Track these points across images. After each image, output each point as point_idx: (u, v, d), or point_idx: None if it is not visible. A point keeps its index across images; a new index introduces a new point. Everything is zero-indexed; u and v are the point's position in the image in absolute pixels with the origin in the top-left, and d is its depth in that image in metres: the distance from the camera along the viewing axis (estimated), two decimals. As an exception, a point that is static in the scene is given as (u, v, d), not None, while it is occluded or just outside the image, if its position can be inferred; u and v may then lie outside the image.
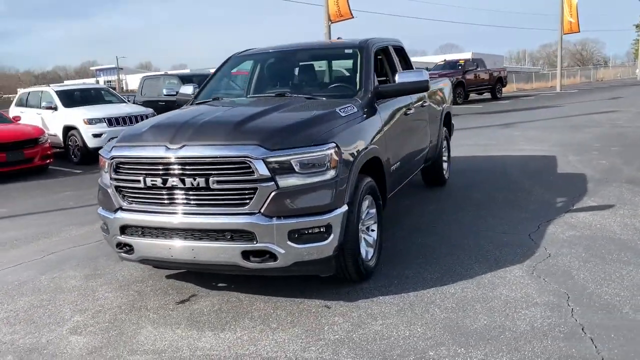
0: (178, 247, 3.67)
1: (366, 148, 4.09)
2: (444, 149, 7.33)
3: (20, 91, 14.40)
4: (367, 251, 4.19)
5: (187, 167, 3.55)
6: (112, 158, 3.85)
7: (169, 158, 3.58)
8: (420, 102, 5.92)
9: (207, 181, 3.50)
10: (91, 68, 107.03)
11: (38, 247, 5.66)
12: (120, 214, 3.86)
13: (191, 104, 5.06)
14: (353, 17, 16.07)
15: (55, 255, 5.34)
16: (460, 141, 11.70)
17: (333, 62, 5.23)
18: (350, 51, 5.01)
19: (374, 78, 4.73)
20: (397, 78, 4.71)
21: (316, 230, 3.57)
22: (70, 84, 16.01)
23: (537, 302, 3.62)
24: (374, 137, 4.32)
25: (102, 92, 13.72)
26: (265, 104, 4.35)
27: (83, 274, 4.71)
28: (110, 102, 13.41)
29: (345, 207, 3.71)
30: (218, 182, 3.50)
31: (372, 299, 3.83)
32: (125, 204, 3.85)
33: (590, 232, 4.99)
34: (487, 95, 27.27)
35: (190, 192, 3.58)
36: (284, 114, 4.01)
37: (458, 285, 3.97)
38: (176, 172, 3.58)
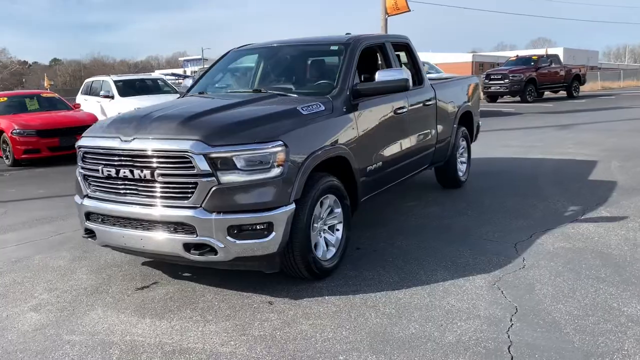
0: (129, 236, 3.83)
1: (326, 147, 4.06)
2: (461, 150, 7.09)
3: (86, 80, 15.34)
4: (326, 250, 4.17)
5: (135, 159, 3.69)
6: (79, 147, 4.07)
7: (121, 150, 3.74)
8: (423, 101, 5.76)
9: (152, 174, 3.63)
10: (179, 59, 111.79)
11: (51, 228, 6.06)
12: (85, 201, 4.07)
13: (181, 97, 5.22)
14: (410, 10, 15.75)
15: (60, 236, 5.70)
16: (507, 142, 11.31)
17: (319, 58, 5.18)
18: (336, 48, 4.96)
19: (354, 76, 4.66)
20: (377, 77, 4.63)
21: (257, 227, 3.60)
22: (129, 75, 16.81)
23: (480, 315, 3.47)
24: (341, 136, 4.28)
25: (159, 82, 14.33)
26: (231, 100, 4.43)
27: (72, 256, 5.00)
28: (167, 92, 13.99)
29: (292, 206, 3.71)
30: (162, 175, 3.61)
31: (317, 298, 3.82)
32: (90, 192, 4.05)
33: (583, 244, 4.68)
34: (563, 93, 25.88)
35: (139, 184, 3.72)
36: (239, 111, 4.06)
37: (410, 291, 3.87)
38: (127, 163, 3.73)
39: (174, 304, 3.85)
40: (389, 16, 16.04)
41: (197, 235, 3.58)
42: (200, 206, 3.56)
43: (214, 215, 3.54)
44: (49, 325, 3.61)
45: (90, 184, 4.04)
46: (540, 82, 23.26)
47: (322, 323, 3.45)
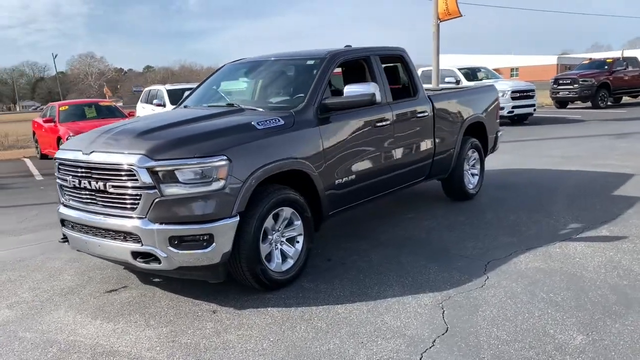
0: (91, 242, 4.11)
1: (279, 160, 4.14)
2: (472, 162, 6.92)
3: (145, 89, 16.22)
4: (281, 262, 4.26)
5: (92, 171, 3.97)
6: (55, 159, 4.41)
7: (81, 162, 4.03)
8: (415, 113, 5.70)
9: (105, 185, 3.88)
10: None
11: (67, 230, 6.52)
12: (61, 209, 4.40)
13: (174, 109, 5.50)
14: (461, 15, 15.38)
15: (70, 238, 6.12)
16: (550, 151, 10.84)
17: (296, 73, 5.24)
18: (312, 62, 5.03)
19: (324, 91, 4.70)
20: (345, 91, 4.67)
21: (197, 238, 3.75)
22: (182, 84, 17.56)
23: (407, 334, 3.43)
24: (301, 150, 4.34)
25: None
26: (197, 114, 4.61)
27: (69, 257, 5.38)
28: None
29: (235, 218, 3.83)
30: (113, 186, 3.86)
31: (259, 309, 3.92)
32: (64, 200, 4.38)
33: (559, 265, 4.46)
34: (643, 98, 24.20)
35: (96, 194, 3.99)
36: (194, 126, 4.23)
37: (352, 306, 3.88)
38: (86, 175, 4.01)
39: (129, 308, 4.08)
40: (441, 21, 15.79)
41: (142, 245, 3.80)
42: (145, 217, 3.76)
43: (156, 226, 3.74)
44: (13, 322, 3.94)
45: (64, 193, 4.37)
46: (615, 87, 21.86)
47: (250, 334, 3.54)
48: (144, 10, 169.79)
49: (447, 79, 17.09)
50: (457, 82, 16.97)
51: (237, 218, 3.85)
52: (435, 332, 3.42)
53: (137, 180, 3.73)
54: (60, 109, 12.99)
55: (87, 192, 4.05)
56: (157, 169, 3.70)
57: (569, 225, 5.58)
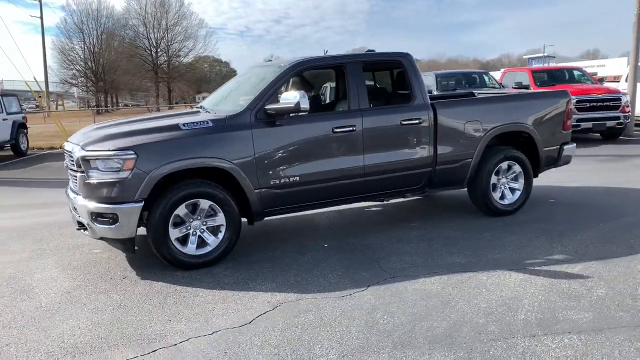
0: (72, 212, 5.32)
1: (195, 158, 4.73)
2: (512, 175, 6.36)
3: None
4: (194, 247, 4.87)
5: (66, 157, 5.17)
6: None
7: (64, 150, 5.27)
8: (400, 120, 5.60)
9: (67, 167, 5.05)
10: (524, 57, 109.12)
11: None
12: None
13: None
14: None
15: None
16: None
17: (264, 79, 5.57)
18: (277, 69, 5.41)
19: (269, 97, 5.07)
20: (280, 98, 5.00)
21: (107, 215, 4.65)
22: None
23: (210, 322, 3.80)
24: (226, 150, 4.84)
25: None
26: (156, 115, 5.46)
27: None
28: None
29: (138, 203, 4.61)
30: (71, 169, 5.00)
31: (153, 282, 4.63)
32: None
33: (453, 292, 4.14)
34: None
35: (69, 174, 5.19)
36: (132, 125, 5.09)
37: (215, 293, 4.32)
38: (66, 159, 5.25)
39: (84, 264, 5.18)
40: (641, 11, 13.38)
41: (79, 216, 4.86)
42: (81, 194, 4.81)
43: (85, 202, 4.75)
44: (14, 262, 5.35)
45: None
46: None
47: (115, 298, 4.30)
48: (420, 5, 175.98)
49: (650, 78, 14.59)
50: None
51: (141, 203, 4.62)
52: (231, 325, 3.72)
53: (75, 165, 4.80)
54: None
55: (67, 172, 5.28)
56: (86, 157, 4.70)
57: (550, 256, 4.91)
